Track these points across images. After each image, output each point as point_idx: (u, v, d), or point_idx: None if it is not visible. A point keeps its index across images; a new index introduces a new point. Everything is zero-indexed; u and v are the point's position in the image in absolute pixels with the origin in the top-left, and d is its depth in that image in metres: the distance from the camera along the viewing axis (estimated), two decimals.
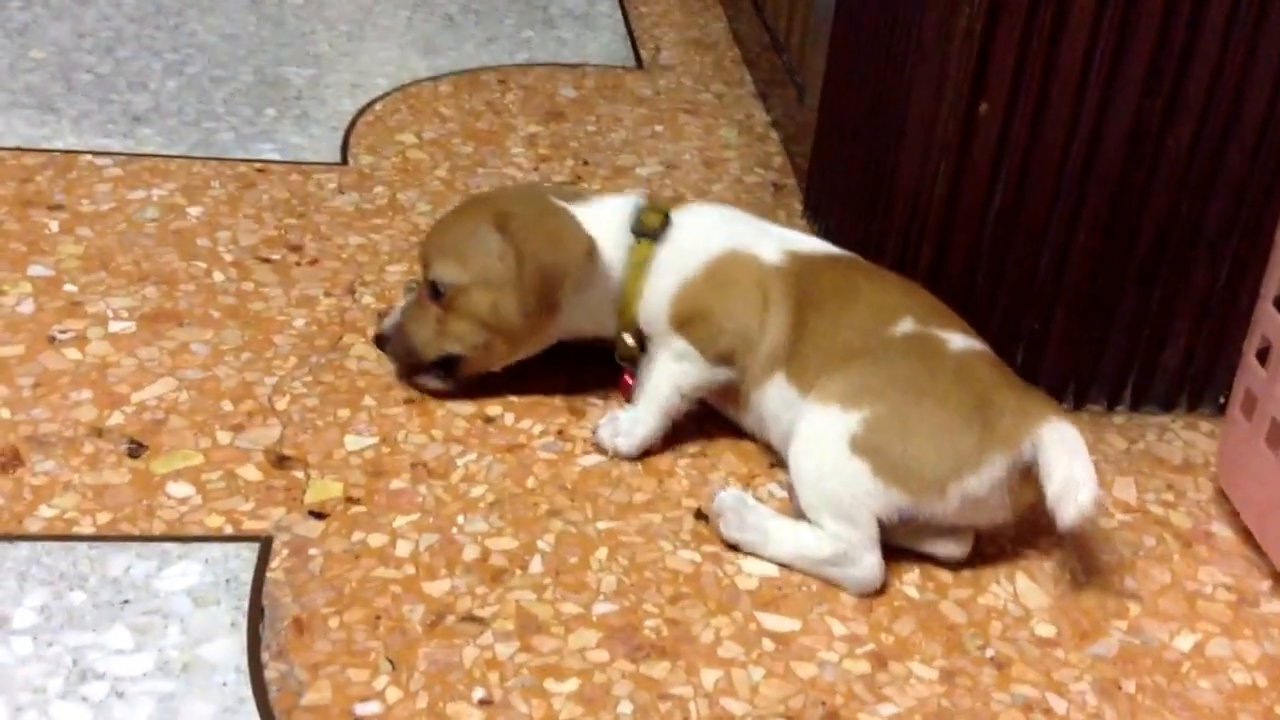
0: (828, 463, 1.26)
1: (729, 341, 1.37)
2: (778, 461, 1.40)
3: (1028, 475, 1.25)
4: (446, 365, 1.45)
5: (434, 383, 1.46)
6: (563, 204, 1.45)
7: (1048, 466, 1.23)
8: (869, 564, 1.26)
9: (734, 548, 1.30)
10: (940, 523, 1.28)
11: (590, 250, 1.41)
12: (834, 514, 1.26)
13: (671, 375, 1.40)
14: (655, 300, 1.41)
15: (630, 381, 1.46)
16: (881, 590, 1.27)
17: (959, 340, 1.32)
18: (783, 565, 1.28)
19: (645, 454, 1.41)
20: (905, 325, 1.33)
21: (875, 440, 1.24)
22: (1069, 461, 1.23)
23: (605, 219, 1.44)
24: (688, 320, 1.39)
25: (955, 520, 1.28)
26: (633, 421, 1.41)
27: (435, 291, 1.42)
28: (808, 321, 1.36)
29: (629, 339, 1.44)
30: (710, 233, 1.43)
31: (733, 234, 1.42)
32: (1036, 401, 1.28)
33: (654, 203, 1.46)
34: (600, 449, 1.41)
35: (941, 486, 1.24)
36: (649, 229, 1.42)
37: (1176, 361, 1.53)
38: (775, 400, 1.37)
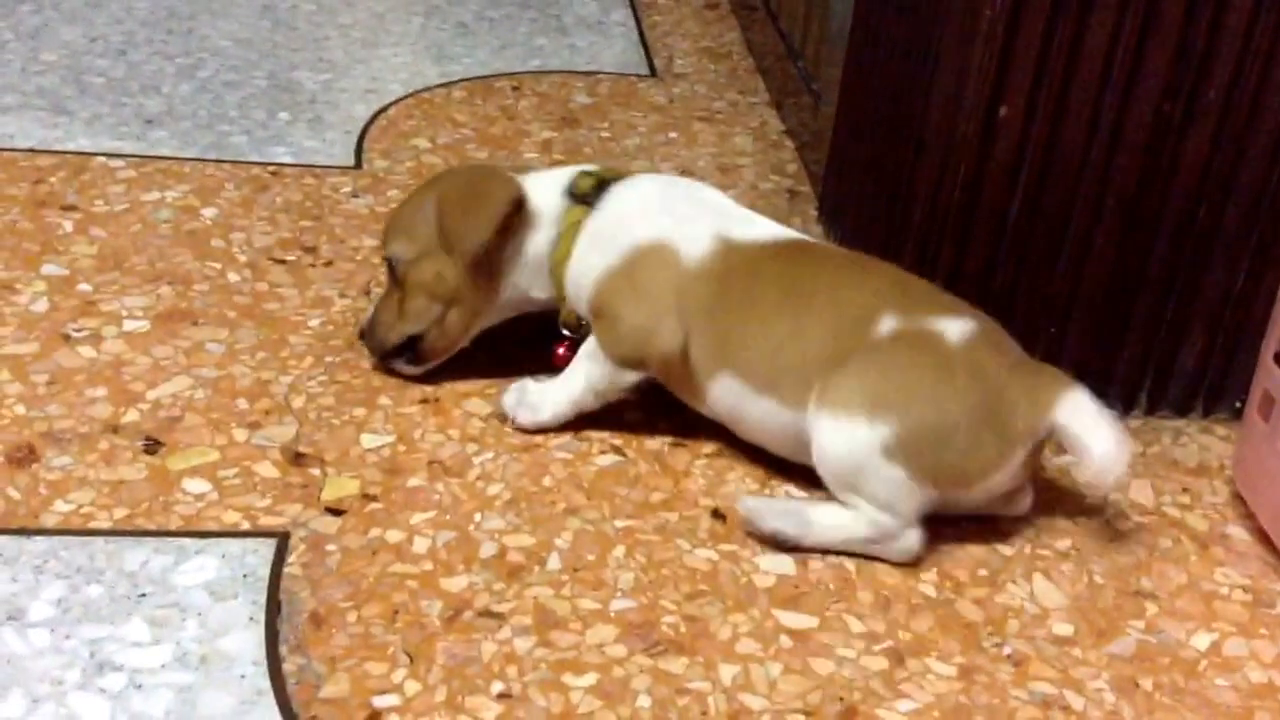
0: (864, 466, 1.26)
1: (632, 349, 1.38)
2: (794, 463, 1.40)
3: (1039, 446, 1.30)
4: (415, 349, 1.46)
5: (406, 368, 1.47)
6: (508, 171, 1.48)
7: (1081, 444, 1.26)
8: (911, 538, 1.29)
9: (767, 544, 1.30)
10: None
11: (515, 198, 1.42)
12: (873, 505, 1.28)
13: (587, 372, 1.41)
14: (579, 275, 1.42)
15: (562, 353, 1.46)
16: (899, 589, 1.28)
17: (953, 329, 1.29)
18: (825, 550, 1.29)
19: (661, 455, 1.41)
20: (888, 323, 1.30)
21: (909, 450, 1.25)
22: (1098, 434, 1.26)
23: (546, 183, 1.46)
24: (600, 313, 1.39)
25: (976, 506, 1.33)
26: (541, 397, 1.42)
27: (393, 271, 1.45)
28: (748, 319, 1.34)
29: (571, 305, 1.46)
30: (642, 214, 1.42)
31: (665, 220, 1.40)
32: (1044, 379, 1.29)
33: (600, 171, 1.48)
34: (501, 414, 1.43)
35: (970, 484, 1.28)
36: (581, 193, 1.45)
37: (1192, 365, 1.53)
38: (732, 395, 1.35)
